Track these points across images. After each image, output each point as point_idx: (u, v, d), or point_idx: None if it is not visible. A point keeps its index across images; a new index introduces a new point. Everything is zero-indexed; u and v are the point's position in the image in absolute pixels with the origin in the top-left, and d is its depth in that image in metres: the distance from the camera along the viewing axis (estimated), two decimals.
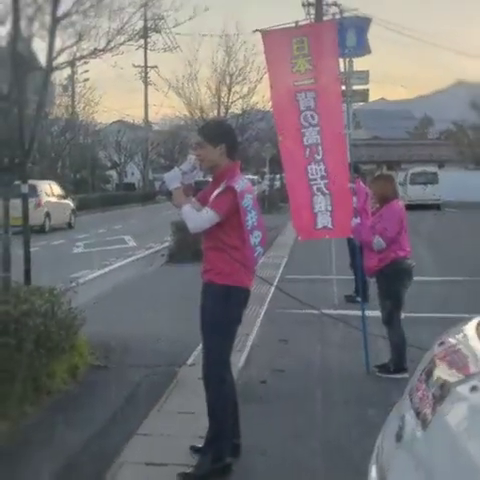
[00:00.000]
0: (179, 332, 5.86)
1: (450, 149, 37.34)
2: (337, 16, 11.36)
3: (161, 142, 46.03)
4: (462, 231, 16.68)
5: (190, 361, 5.18)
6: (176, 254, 11.56)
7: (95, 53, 5.62)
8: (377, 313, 5.16)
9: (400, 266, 4.93)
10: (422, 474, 1.61)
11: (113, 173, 44.87)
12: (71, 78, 30.35)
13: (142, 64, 38.90)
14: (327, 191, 5.03)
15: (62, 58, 5.33)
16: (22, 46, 5.14)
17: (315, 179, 5.03)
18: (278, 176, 31.90)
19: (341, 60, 5.48)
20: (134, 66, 37.97)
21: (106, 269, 11.06)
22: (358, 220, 5.11)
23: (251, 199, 3.40)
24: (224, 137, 3.41)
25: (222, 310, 3.29)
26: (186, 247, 10.89)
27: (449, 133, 43.53)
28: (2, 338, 3.95)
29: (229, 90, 19.59)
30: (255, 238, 3.38)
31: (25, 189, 5.40)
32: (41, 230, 17.66)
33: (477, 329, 2.01)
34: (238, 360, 5.03)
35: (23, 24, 4.94)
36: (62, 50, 5.26)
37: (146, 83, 39.73)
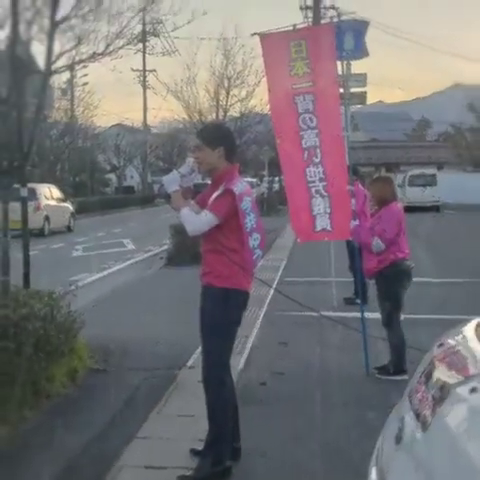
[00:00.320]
0: (178, 335, 5.85)
1: (448, 151, 37.45)
2: (335, 19, 11.36)
3: (160, 145, 46.07)
4: (461, 233, 16.69)
5: (190, 364, 5.17)
6: (175, 257, 11.56)
7: (94, 57, 5.61)
8: (376, 315, 5.16)
9: (399, 268, 4.93)
10: (422, 476, 1.60)
11: (112, 176, 44.88)
12: (70, 82, 30.35)
13: (141, 68, 39.01)
14: (326, 193, 5.04)
15: (61, 62, 5.33)
16: (21, 49, 5.14)
17: (314, 181, 5.04)
18: (277, 179, 31.89)
19: (339, 63, 5.49)
20: (133, 70, 38.09)
21: (105, 272, 11.08)
22: (357, 222, 5.11)
23: (250, 202, 3.40)
24: (222, 140, 3.41)
25: (221, 313, 3.29)
26: (185, 250, 10.89)
27: (447, 135, 43.61)
28: (1, 342, 3.94)
29: (227, 93, 19.61)
30: (254, 240, 3.38)
31: (24, 192, 5.39)
32: (40, 233, 17.62)
33: (476, 330, 2.01)
34: (238, 362, 5.02)
35: (22, 28, 4.93)
36: (61, 54, 5.25)
37: (145, 86, 39.79)
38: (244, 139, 21.06)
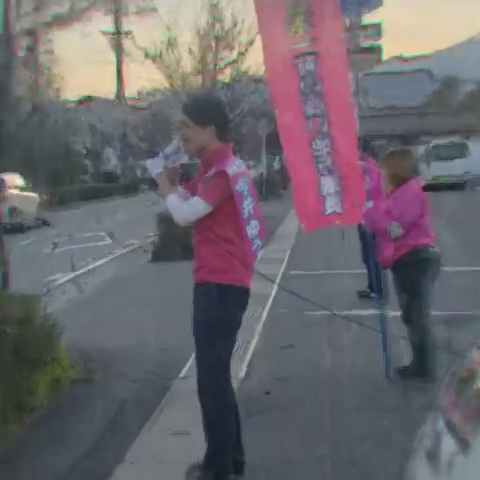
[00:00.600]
0: (168, 340, 5.84)
1: (476, 116, 36.25)
2: None
3: (140, 123, 45.81)
4: None
5: (183, 374, 5.16)
6: (162, 250, 11.50)
7: (59, 21, 5.53)
8: (395, 311, 5.13)
9: (422, 255, 4.88)
10: None
11: (87, 161, 44.70)
12: (31, 49, 30.03)
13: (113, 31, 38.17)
14: (336, 170, 4.91)
15: (23, 24, 5.24)
16: None
17: (321, 156, 4.91)
18: (277, 158, 31.84)
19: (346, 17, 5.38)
20: (103, 33, 37.12)
21: (84, 269, 11.14)
22: (371, 204, 5.05)
23: (246, 184, 3.36)
24: (213, 116, 3.36)
25: (218, 313, 3.26)
26: (173, 242, 10.84)
27: (472, 95, 42.13)
28: None
29: (215, 56, 19.30)
30: (252, 229, 3.35)
31: None
32: (20, 229, 18.18)
33: None
34: (239, 369, 5.03)
35: None
36: (22, 16, 5.17)
37: (117, 51, 38.95)
38: (237, 111, 20.84)
